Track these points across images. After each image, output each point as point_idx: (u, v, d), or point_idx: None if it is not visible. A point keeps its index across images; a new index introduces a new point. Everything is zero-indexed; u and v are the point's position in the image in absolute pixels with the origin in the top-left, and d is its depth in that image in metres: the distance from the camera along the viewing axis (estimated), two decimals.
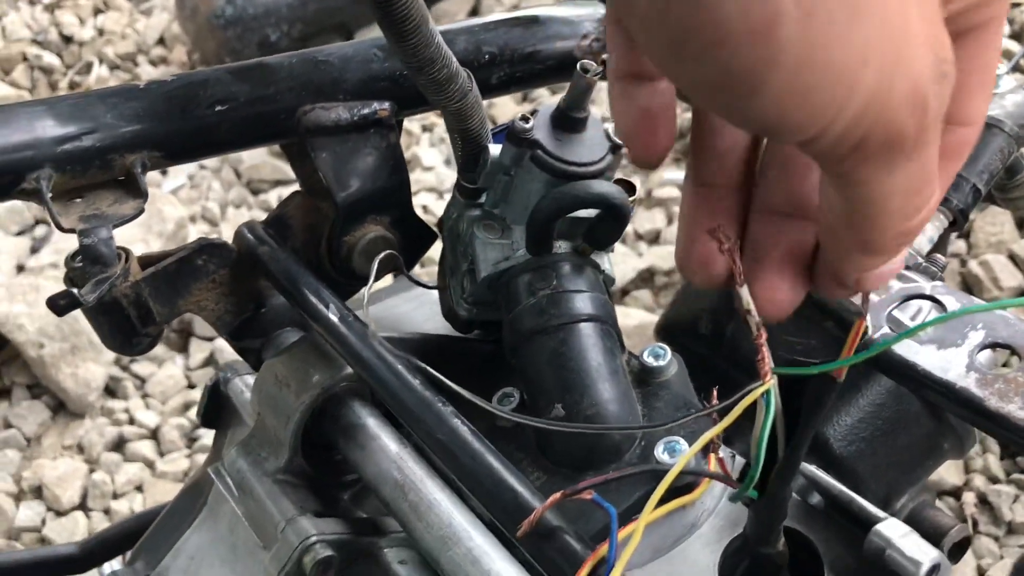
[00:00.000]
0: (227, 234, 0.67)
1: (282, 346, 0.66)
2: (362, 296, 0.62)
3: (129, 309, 0.62)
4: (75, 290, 0.58)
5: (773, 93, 0.30)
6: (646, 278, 2.08)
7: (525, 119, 0.59)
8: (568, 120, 0.59)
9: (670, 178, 2.30)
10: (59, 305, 0.58)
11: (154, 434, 1.91)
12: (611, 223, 0.61)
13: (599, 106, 2.05)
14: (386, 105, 0.66)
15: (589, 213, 0.61)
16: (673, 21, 0.29)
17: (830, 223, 0.37)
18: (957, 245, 1.97)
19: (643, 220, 2.19)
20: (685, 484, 0.53)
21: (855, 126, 0.31)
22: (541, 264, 0.61)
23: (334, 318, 0.59)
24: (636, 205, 0.61)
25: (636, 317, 1.91)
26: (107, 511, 1.79)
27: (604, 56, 0.59)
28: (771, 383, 0.40)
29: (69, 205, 0.60)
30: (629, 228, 2.17)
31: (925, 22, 0.31)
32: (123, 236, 0.60)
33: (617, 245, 0.66)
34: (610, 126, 0.61)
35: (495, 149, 0.62)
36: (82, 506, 1.81)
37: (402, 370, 0.55)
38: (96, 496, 1.80)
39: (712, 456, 0.47)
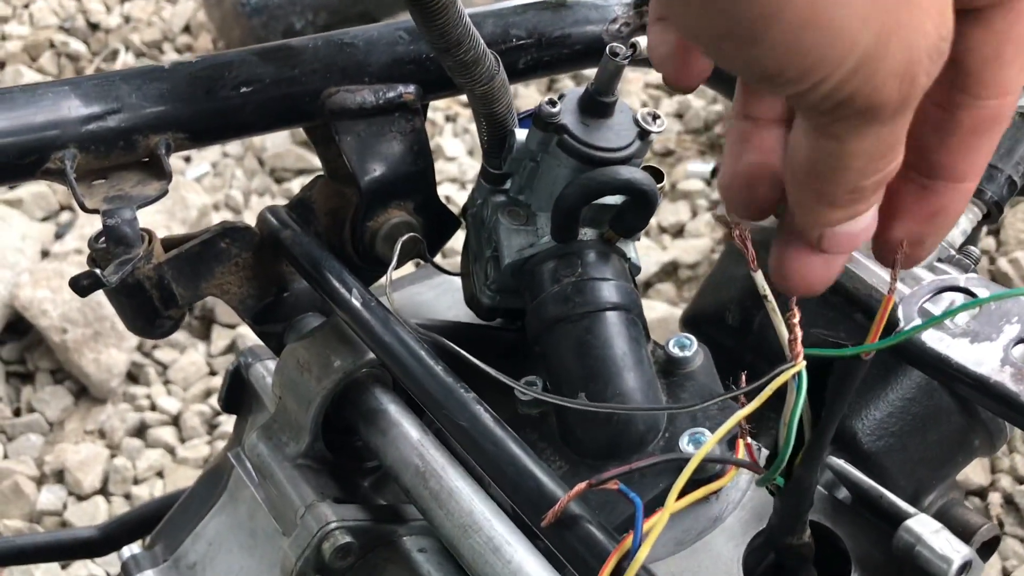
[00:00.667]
0: (250, 223, 0.67)
1: (304, 330, 0.66)
2: (384, 282, 0.61)
3: (151, 291, 0.61)
4: (98, 271, 0.58)
5: (774, 44, 0.31)
6: (670, 271, 2.06)
7: (552, 103, 0.58)
8: (596, 105, 0.58)
9: (694, 171, 2.29)
10: (82, 285, 0.58)
11: (175, 420, 1.92)
12: (638, 210, 0.60)
13: (627, 96, 2.04)
14: (411, 88, 0.65)
15: (616, 200, 0.60)
16: None
17: (793, 165, 0.37)
18: (987, 242, 1.94)
19: (667, 213, 2.17)
20: (712, 475, 0.52)
21: (843, 86, 0.32)
22: (566, 251, 0.60)
23: (356, 303, 0.58)
24: (661, 196, 0.60)
25: (660, 310, 1.90)
26: (128, 496, 1.80)
27: (633, 40, 0.58)
28: (802, 364, 0.39)
29: (93, 186, 0.59)
30: (653, 221, 2.16)
31: None
32: (146, 222, 0.60)
33: (641, 238, 0.65)
34: (638, 111, 0.60)
35: (521, 134, 0.61)
36: (103, 491, 1.82)
37: (424, 356, 0.54)
38: (117, 481, 1.81)
39: (740, 442, 0.46)
